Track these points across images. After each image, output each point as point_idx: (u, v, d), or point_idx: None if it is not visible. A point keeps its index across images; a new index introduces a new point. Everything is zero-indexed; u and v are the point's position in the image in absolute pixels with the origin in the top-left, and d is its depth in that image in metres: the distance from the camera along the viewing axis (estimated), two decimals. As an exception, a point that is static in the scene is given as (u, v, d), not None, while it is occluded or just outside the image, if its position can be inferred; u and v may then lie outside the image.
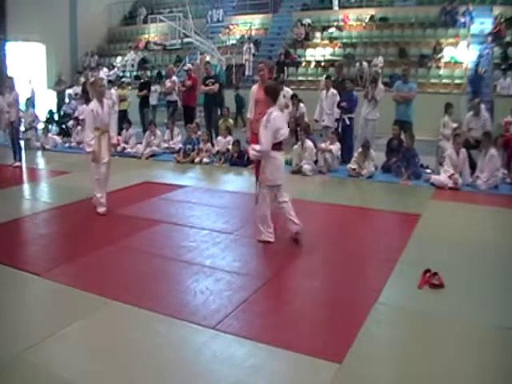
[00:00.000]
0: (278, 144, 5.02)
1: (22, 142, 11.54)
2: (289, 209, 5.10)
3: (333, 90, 9.32)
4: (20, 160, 9.56)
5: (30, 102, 12.80)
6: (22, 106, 13.65)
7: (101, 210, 6.16)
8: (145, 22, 20.29)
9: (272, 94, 5.10)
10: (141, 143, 10.42)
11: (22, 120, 12.19)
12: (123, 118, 11.79)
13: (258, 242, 5.11)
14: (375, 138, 9.35)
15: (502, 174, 7.86)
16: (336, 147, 8.73)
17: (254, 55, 17.09)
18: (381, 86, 9.23)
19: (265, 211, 5.09)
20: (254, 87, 6.81)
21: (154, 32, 19.09)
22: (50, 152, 11.18)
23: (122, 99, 12.19)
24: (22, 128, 12.49)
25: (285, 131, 5.09)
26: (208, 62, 12.41)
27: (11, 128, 9.46)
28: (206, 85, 10.71)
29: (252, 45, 16.99)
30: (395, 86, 9.13)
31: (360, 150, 8.41)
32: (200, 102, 12.04)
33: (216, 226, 5.65)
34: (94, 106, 6.08)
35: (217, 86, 10.80)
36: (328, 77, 9.95)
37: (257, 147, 5.05)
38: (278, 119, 4.96)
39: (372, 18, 16.85)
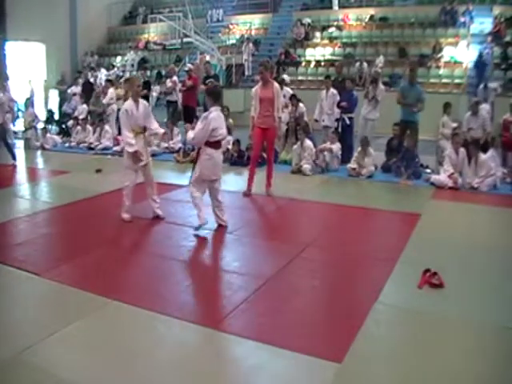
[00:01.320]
0: (216, 142, 5.25)
1: (16, 142, 11.63)
2: (223, 211, 5.53)
3: (333, 90, 9.33)
4: (15, 158, 9.59)
5: (30, 102, 12.82)
6: (22, 106, 13.73)
7: (125, 216, 5.85)
8: (144, 21, 20.28)
9: (213, 95, 5.34)
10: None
11: (21, 119, 12.25)
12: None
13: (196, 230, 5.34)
14: (375, 137, 9.35)
15: (502, 174, 7.86)
16: (336, 147, 8.74)
17: (253, 55, 17.07)
18: (381, 86, 9.22)
19: (196, 200, 5.33)
20: (256, 87, 7.08)
21: (153, 32, 19.07)
22: (50, 152, 11.18)
23: (118, 98, 12.25)
24: (22, 128, 12.54)
25: (223, 131, 5.31)
26: (208, 62, 12.42)
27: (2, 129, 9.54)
28: (206, 84, 10.72)
29: (251, 45, 16.95)
30: (400, 87, 8.97)
31: (359, 148, 8.42)
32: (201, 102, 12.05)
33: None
34: (129, 106, 5.69)
35: None
36: (327, 76, 9.95)
37: (190, 134, 5.34)
38: (215, 120, 5.15)
39: (372, 17, 16.85)
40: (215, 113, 5.17)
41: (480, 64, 13.44)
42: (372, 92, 9.04)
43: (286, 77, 12.19)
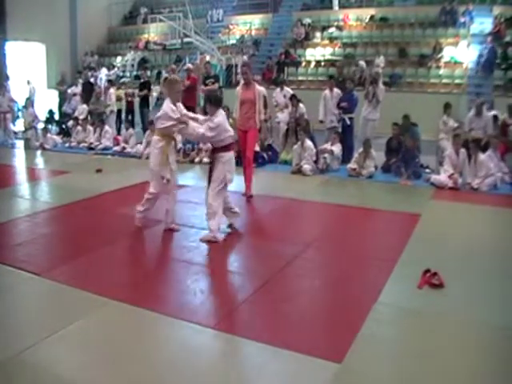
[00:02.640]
0: (230, 144, 5.20)
1: (16, 142, 11.62)
2: (229, 200, 5.41)
3: (337, 90, 9.36)
4: None
5: (30, 102, 12.82)
6: (21, 106, 13.72)
7: (139, 216, 5.47)
8: (145, 21, 20.28)
9: (215, 103, 5.19)
10: (141, 143, 10.42)
11: (21, 119, 12.25)
12: (120, 118, 12.08)
13: (208, 243, 5.04)
14: (375, 137, 9.35)
15: (502, 174, 7.84)
16: (337, 148, 8.75)
17: (253, 55, 17.02)
18: (381, 85, 9.22)
19: (218, 216, 5.12)
20: (238, 88, 7.01)
21: (153, 32, 19.06)
22: (50, 152, 11.18)
23: (118, 99, 12.28)
24: (22, 128, 12.56)
25: (232, 132, 5.26)
26: (208, 62, 12.42)
27: None
28: (206, 85, 10.73)
29: (245, 57, 16.57)
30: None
31: (361, 149, 8.42)
32: (200, 102, 12.05)
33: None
34: (171, 110, 5.13)
35: (216, 85, 10.81)
36: (331, 76, 9.98)
37: (200, 129, 5.07)
38: (225, 121, 5.14)
39: (372, 17, 16.84)
40: (223, 116, 5.13)
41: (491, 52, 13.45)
42: (372, 92, 9.04)
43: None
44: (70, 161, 9.90)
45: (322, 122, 9.59)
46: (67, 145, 11.75)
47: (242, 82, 7.16)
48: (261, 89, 7.00)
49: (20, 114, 14.17)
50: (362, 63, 13.87)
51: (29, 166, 9.83)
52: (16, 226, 5.77)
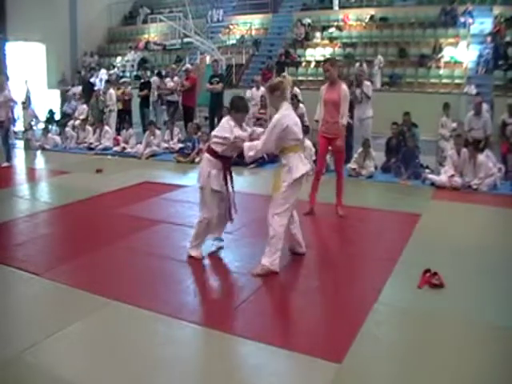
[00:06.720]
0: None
1: (17, 142, 11.60)
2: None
3: None
4: (8, 160, 9.56)
5: (27, 102, 12.83)
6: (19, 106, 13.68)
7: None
8: (145, 21, 20.29)
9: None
10: (141, 143, 10.43)
11: (21, 120, 12.22)
12: (120, 118, 12.10)
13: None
14: (374, 137, 9.32)
15: (501, 173, 7.82)
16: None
17: (253, 55, 17.02)
18: (366, 82, 9.13)
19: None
20: (323, 87, 6.29)
21: (154, 32, 19.05)
22: (50, 152, 11.18)
23: (118, 99, 12.29)
24: (22, 128, 12.55)
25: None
26: (215, 60, 12.46)
27: (1, 128, 9.45)
28: (211, 83, 10.72)
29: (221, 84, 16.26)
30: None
31: (360, 149, 8.42)
32: (200, 102, 12.06)
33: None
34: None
35: (221, 85, 10.82)
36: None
37: None
38: None
39: (372, 17, 16.85)
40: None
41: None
42: (360, 93, 8.94)
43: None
44: (70, 161, 9.91)
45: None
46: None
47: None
48: (347, 89, 6.16)
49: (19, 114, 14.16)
50: (365, 66, 13.87)
51: (29, 166, 9.83)
52: (16, 225, 5.77)
